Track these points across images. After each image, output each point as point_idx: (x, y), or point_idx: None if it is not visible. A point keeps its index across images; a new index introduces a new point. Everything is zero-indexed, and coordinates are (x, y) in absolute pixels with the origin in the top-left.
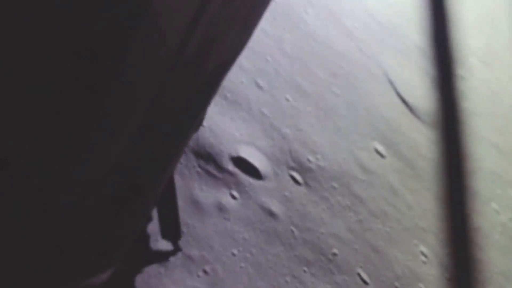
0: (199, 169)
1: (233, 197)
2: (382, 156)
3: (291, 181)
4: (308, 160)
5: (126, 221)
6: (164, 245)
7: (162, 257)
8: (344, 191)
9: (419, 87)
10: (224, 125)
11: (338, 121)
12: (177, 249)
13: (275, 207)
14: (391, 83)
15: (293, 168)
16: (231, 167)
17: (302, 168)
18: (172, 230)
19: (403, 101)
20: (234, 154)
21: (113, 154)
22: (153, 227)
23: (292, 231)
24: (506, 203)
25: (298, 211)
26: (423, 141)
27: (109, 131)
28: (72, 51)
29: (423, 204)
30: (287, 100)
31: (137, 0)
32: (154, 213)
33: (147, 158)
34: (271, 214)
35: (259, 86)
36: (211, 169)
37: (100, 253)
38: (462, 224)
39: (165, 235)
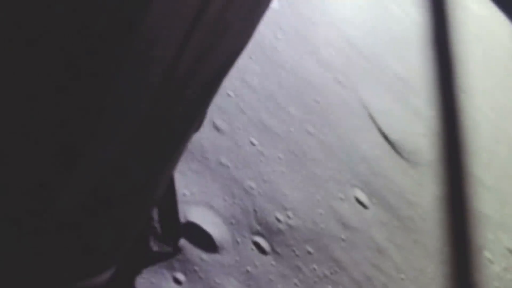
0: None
1: (177, 281)
2: (364, 206)
3: (255, 251)
4: (277, 219)
5: (126, 222)
6: (164, 245)
7: (162, 257)
8: (321, 256)
9: (403, 122)
10: None
11: (312, 167)
12: (177, 249)
13: None
14: (372, 118)
15: (258, 233)
16: None
17: (269, 231)
18: (172, 230)
19: (386, 138)
20: (182, 220)
21: (112, 155)
22: (153, 227)
23: None
24: (498, 250)
25: None
26: (408, 184)
27: (107, 132)
28: (68, 56)
29: (413, 263)
30: (252, 144)
31: (134, 6)
32: (154, 213)
33: (147, 159)
34: None
35: (217, 129)
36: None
37: (100, 253)
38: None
39: (165, 235)
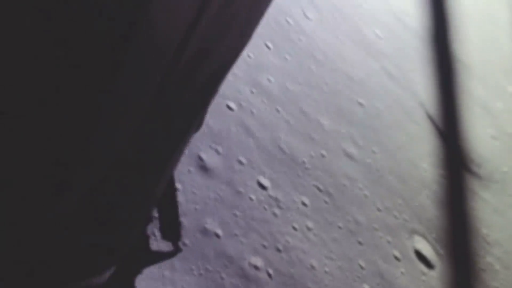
0: None
1: None
2: (428, 265)
3: None
4: None
5: (126, 221)
6: (164, 245)
7: (162, 257)
8: None
9: (468, 121)
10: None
11: (354, 212)
12: (177, 249)
13: None
14: (431, 120)
15: None
16: None
17: None
18: (172, 231)
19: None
20: None
21: (114, 154)
22: (153, 227)
23: None
24: None
25: None
26: (482, 212)
27: (109, 131)
28: (73, 52)
29: None
30: (261, 187)
31: (136, 4)
32: (154, 214)
33: (147, 158)
34: None
35: (203, 168)
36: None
37: (101, 253)
38: None
39: (165, 235)
